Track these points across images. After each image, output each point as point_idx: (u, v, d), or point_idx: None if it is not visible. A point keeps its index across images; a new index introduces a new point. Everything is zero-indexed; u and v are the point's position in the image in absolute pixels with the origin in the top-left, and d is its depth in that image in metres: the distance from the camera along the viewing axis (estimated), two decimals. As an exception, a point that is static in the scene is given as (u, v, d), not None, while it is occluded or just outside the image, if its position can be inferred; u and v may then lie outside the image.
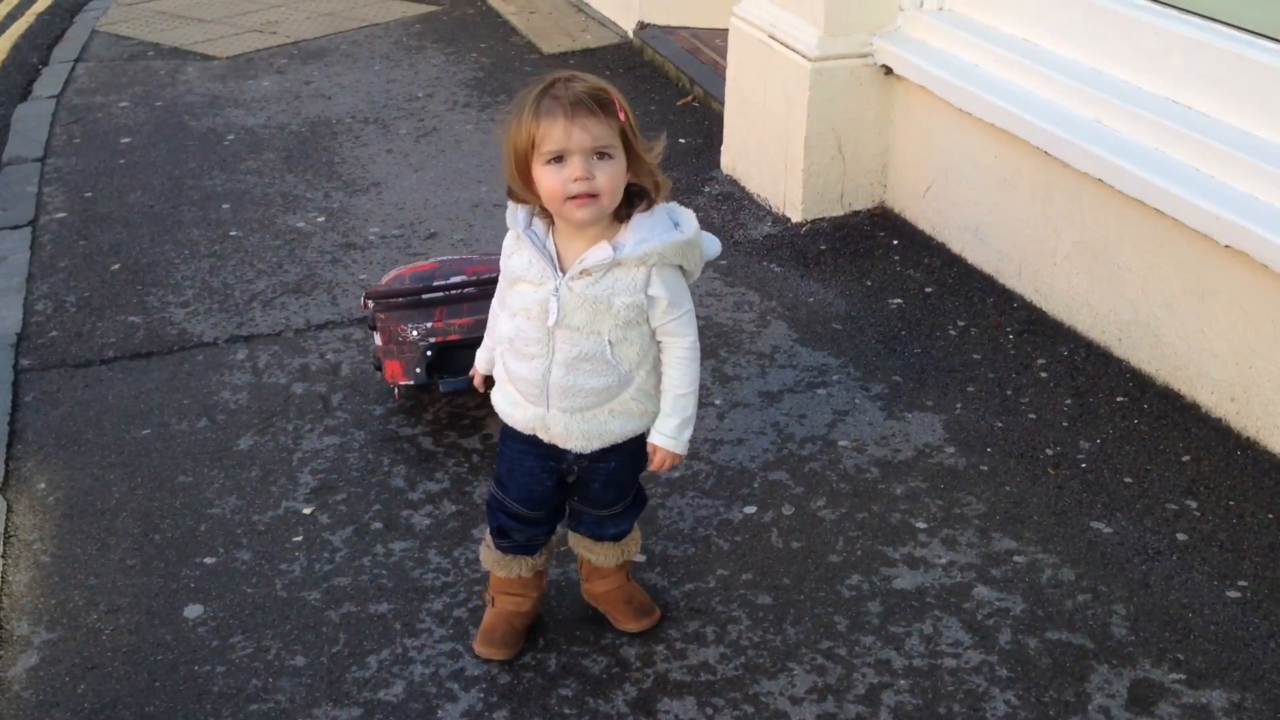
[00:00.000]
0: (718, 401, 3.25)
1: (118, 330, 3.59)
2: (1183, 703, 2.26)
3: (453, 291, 3.03)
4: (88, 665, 2.39)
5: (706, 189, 4.53)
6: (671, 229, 2.05)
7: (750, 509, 2.84)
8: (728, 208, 4.39)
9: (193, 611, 2.53)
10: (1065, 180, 3.39)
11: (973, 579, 2.60)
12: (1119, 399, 3.19)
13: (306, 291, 3.82)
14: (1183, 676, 2.32)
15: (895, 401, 3.21)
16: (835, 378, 3.32)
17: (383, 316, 3.05)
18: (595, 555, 2.38)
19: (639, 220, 2.03)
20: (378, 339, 3.10)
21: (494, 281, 2.80)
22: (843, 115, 4.02)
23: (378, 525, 2.79)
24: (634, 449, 2.22)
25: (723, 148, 4.63)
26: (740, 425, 3.15)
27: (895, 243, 4.04)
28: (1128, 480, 2.88)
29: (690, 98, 5.32)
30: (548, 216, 2.07)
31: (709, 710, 2.28)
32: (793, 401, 3.24)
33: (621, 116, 1.96)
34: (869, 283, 3.80)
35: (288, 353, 3.49)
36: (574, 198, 1.95)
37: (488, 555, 2.37)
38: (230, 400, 3.27)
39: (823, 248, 4.02)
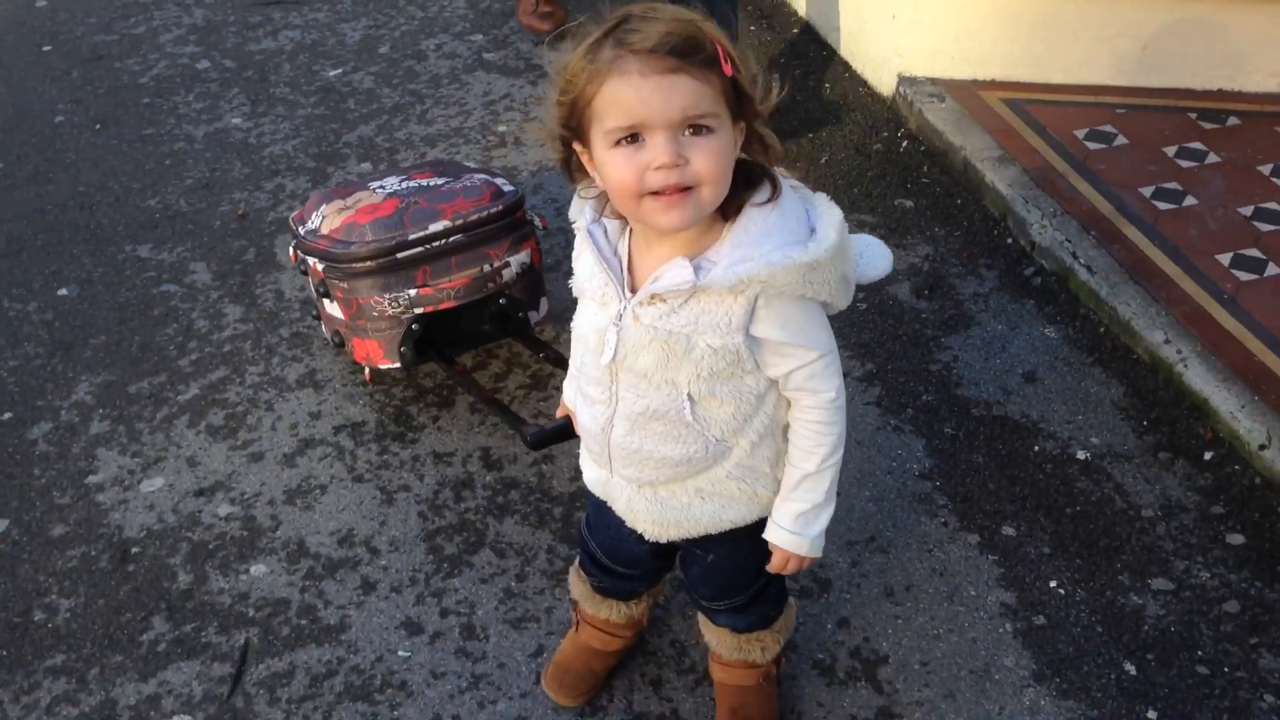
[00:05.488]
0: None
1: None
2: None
3: (434, 244, 2.34)
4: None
5: None
6: (794, 240, 1.32)
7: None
8: None
9: None
10: None
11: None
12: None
13: None
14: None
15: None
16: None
17: (342, 286, 2.36)
18: (709, 636, 1.82)
19: (750, 221, 1.32)
20: (331, 308, 2.44)
21: (485, 224, 2.33)
22: None
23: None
24: (743, 543, 1.57)
25: None
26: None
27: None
28: None
29: None
30: None
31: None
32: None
33: (728, 68, 1.26)
34: None
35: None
36: (657, 193, 1.26)
37: (576, 582, 1.88)
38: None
39: None
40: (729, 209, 1.32)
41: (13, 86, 3.86)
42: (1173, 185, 2.92)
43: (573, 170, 1.39)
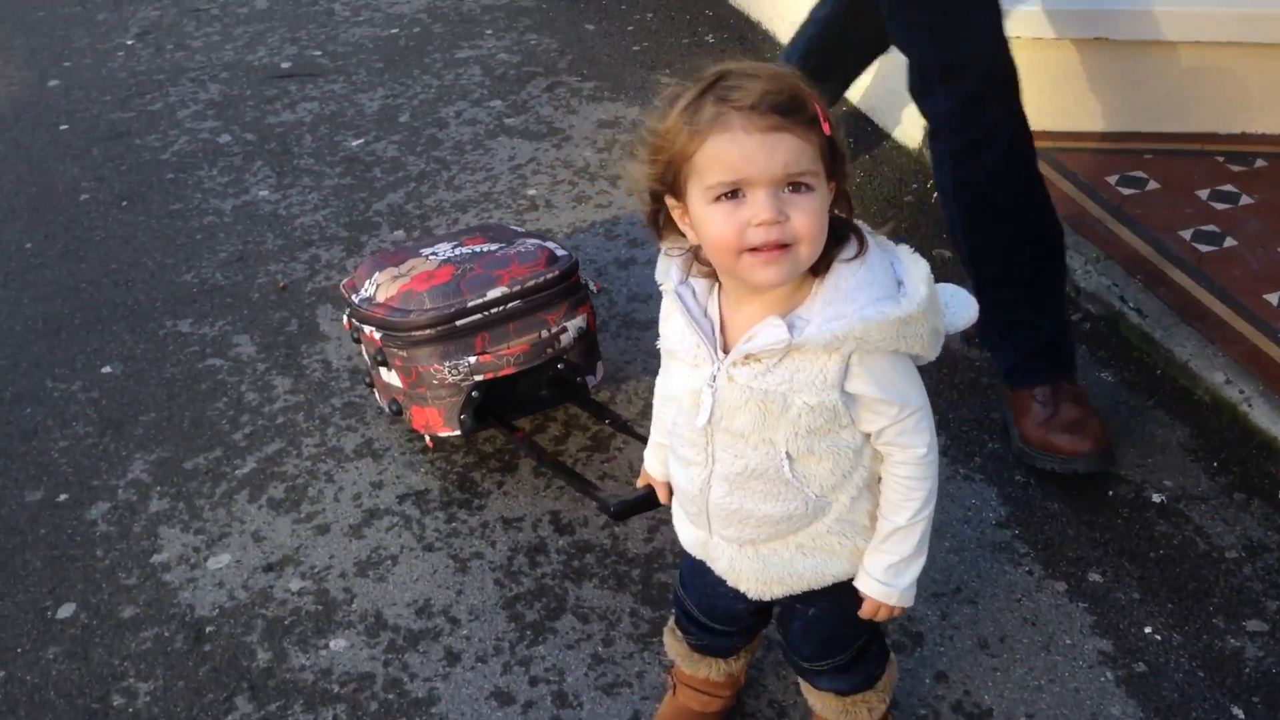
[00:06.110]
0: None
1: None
2: (571, 90, 4.11)
3: (493, 311, 2.34)
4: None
5: None
6: (885, 295, 1.32)
7: None
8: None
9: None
10: None
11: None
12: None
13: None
14: (579, 79, 4.18)
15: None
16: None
17: (401, 354, 2.37)
18: (813, 701, 1.77)
19: (840, 278, 1.33)
20: (388, 376, 2.44)
21: (542, 289, 2.35)
22: None
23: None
24: (845, 595, 1.54)
25: None
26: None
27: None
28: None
29: None
30: (711, 267, 1.39)
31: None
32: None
33: (826, 127, 1.28)
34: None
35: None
36: (756, 250, 1.27)
37: (672, 642, 1.84)
38: (95, -5, 5.13)
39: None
40: (818, 265, 1.33)
41: (33, 166, 3.85)
42: (1210, 227, 2.96)
43: (660, 227, 1.40)
